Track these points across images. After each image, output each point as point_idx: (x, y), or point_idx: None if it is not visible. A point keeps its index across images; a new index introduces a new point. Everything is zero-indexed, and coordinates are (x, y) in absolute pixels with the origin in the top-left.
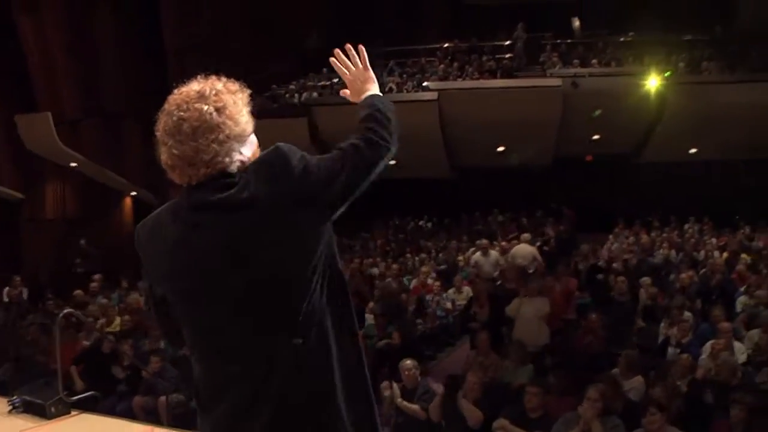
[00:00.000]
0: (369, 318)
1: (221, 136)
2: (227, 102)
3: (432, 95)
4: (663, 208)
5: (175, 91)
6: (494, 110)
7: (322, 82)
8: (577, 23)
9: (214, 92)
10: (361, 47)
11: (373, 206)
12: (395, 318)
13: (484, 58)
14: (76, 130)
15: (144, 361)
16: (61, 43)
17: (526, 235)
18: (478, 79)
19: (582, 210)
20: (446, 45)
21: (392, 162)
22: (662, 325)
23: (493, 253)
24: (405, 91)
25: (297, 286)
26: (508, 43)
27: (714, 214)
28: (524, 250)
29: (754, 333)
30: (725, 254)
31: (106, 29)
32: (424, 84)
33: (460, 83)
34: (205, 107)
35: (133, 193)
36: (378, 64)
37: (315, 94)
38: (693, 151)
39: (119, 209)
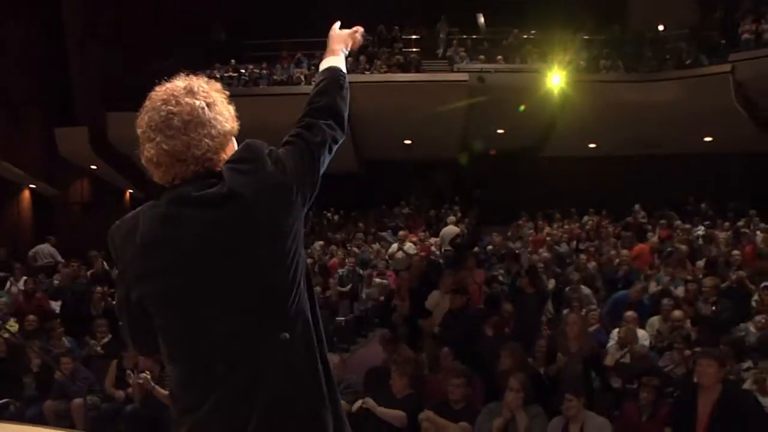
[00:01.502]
0: None
1: (213, 131)
2: (216, 99)
3: None
4: (564, 201)
5: (156, 88)
6: (402, 104)
7: (229, 73)
8: (482, 19)
9: (202, 88)
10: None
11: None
12: None
13: (392, 49)
14: None
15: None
16: None
17: (452, 218)
18: (386, 72)
19: (486, 203)
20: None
21: None
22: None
23: (409, 245)
24: (313, 83)
25: (283, 280)
26: (415, 37)
27: (612, 207)
28: (452, 231)
29: (655, 320)
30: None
31: (4, 17)
32: None
33: (368, 76)
34: (196, 102)
35: (32, 186)
36: (285, 56)
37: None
38: (592, 146)
39: (16, 202)
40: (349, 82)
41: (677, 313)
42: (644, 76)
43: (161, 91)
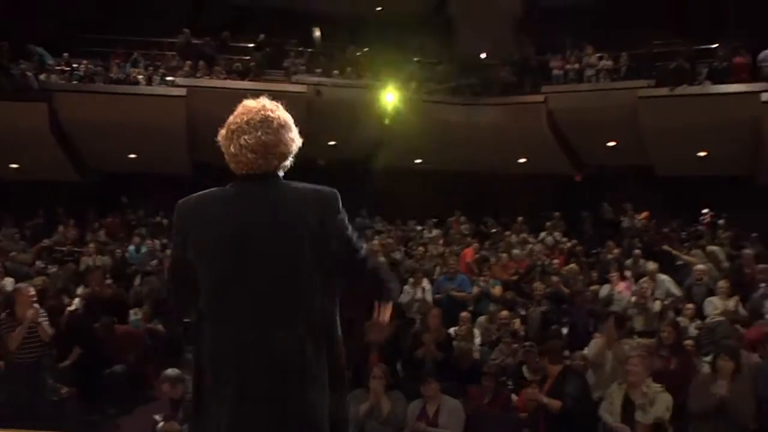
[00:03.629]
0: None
1: (296, 138)
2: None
3: (181, 91)
4: (390, 211)
5: (245, 101)
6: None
7: (61, 66)
8: (317, 33)
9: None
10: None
11: (111, 201)
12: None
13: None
14: None
15: None
16: None
17: None
18: (225, 78)
19: None
20: (194, 41)
21: (133, 156)
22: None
23: None
24: (153, 84)
25: (303, 276)
26: (252, 45)
27: (437, 216)
28: None
29: (482, 319)
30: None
31: None
32: (168, 78)
33: (209, 81)
34: (287, 114)
35: None
36: (120, 53)
37: (53, 77)
38: (418, 161)
39: None
40: (191, 86)
41: (504, 313)
42: (468, 99)
43: (253, 102)
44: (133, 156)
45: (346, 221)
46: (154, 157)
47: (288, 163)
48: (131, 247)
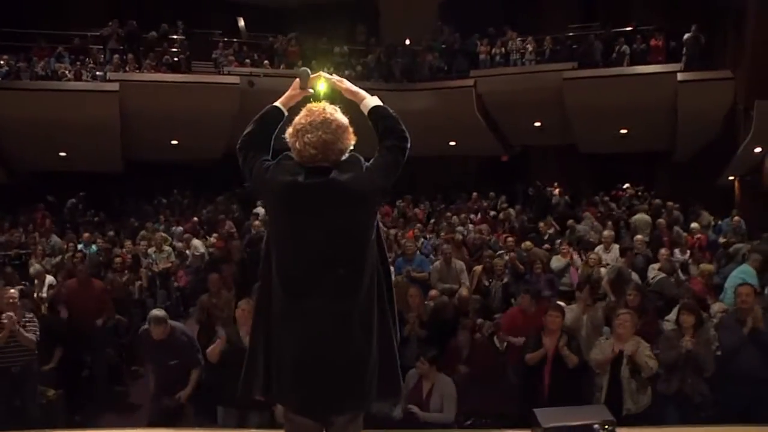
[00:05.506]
0: None
1: (350, 136)
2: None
3: (113, 86)
4: None
5: (309, 105)
6: (171, 105)
7: None
8: (242, 23)
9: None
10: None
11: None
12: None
13: (159, 50)
14: None
15: None
16: None
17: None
18: (155, 71)
19: None
20: (118, 32)
21: (63, 154)
22: None
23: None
24: (83, 80)
25: (356, 240)
26: (178, 36)
27: None
28: None
29: None
30: None
31: None
32: (98, 73)
33: (141, 75)
34: (344, 118)
35: None
36: (44, 47)
37: None
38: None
39: None
40: (124, 80)
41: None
42: (399, 85)
43: (315, 107)
44: (63, 154)
45: (367, 163)
46: (85, 155)
47: (343, 156)
48: (92, 245)
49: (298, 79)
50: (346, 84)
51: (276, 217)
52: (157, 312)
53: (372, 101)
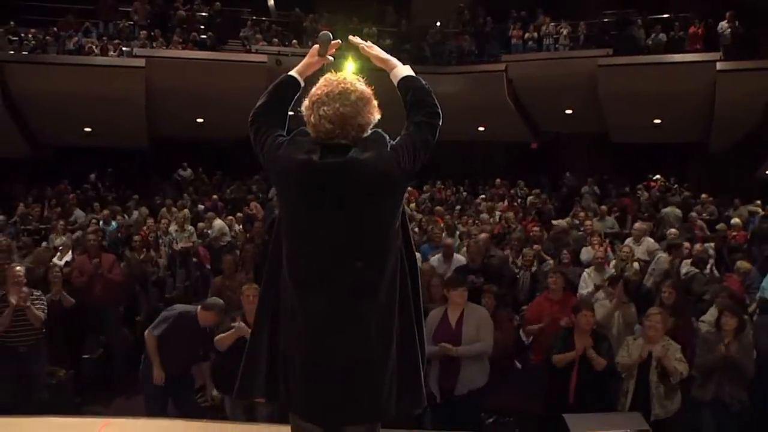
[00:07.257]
0: None
1: (373, 110)
2: (371, 94)
3: (140, 62)
4: None
5: (327, 75)
6: (197, 82)
7: (8, 36)
8: (271, 1)
9: (364, 82)
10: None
11: (66, 173)
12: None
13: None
14: None
15: None
16: None
17: None
18: (183, 48)
19: None
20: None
21: (88, 129)
22: None
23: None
24: (109, 55)
25: (377, 225)
26: (206, 14)
27: None
28: None
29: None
30: None
31: None
32: (125, 49)
33: (169, 51)
34: (367, 89)
35: None
36: (72, 21)
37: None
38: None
39: None
40: (150, 56)
41: None
42: (429, 68)
43: (333, 76)
44: (88, 130)
45: (393, 142)
46: (110, 130)
47: (364, 132)
48: (112, 222)
49: (317, 45)
50: (376, 50)
51: (287, 200)
52: (215, 300)
53: (403, 70)
